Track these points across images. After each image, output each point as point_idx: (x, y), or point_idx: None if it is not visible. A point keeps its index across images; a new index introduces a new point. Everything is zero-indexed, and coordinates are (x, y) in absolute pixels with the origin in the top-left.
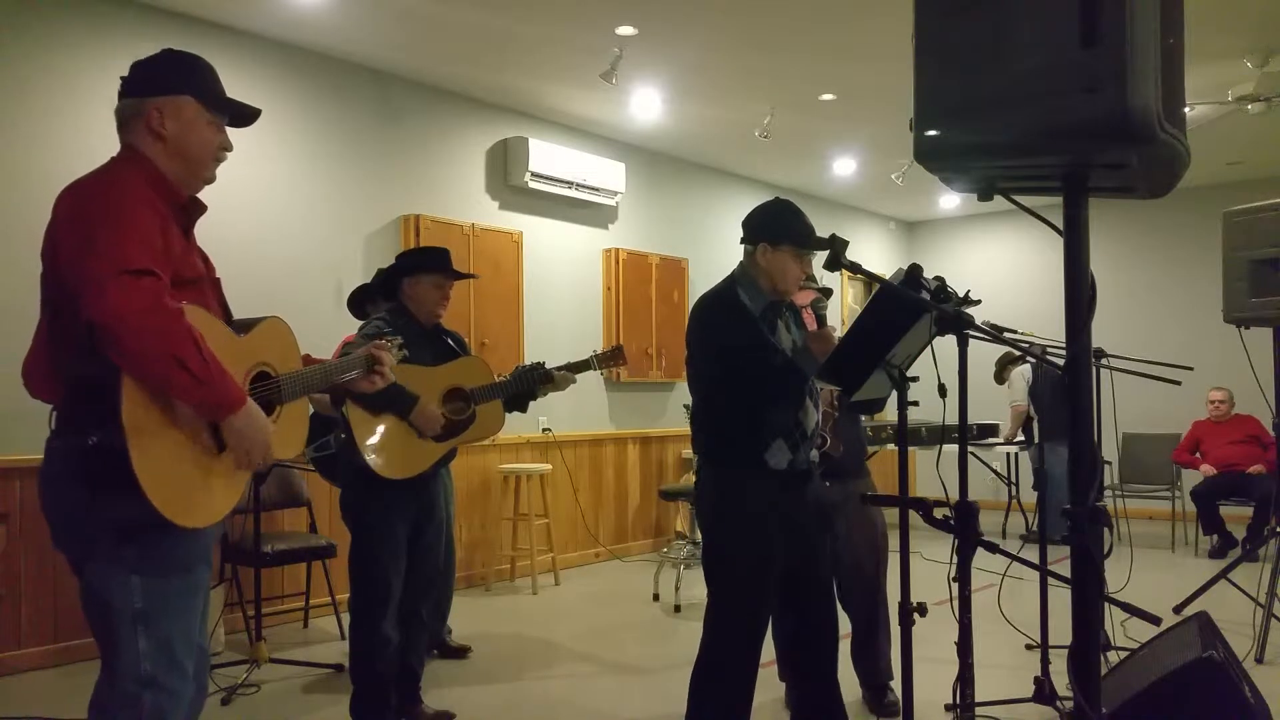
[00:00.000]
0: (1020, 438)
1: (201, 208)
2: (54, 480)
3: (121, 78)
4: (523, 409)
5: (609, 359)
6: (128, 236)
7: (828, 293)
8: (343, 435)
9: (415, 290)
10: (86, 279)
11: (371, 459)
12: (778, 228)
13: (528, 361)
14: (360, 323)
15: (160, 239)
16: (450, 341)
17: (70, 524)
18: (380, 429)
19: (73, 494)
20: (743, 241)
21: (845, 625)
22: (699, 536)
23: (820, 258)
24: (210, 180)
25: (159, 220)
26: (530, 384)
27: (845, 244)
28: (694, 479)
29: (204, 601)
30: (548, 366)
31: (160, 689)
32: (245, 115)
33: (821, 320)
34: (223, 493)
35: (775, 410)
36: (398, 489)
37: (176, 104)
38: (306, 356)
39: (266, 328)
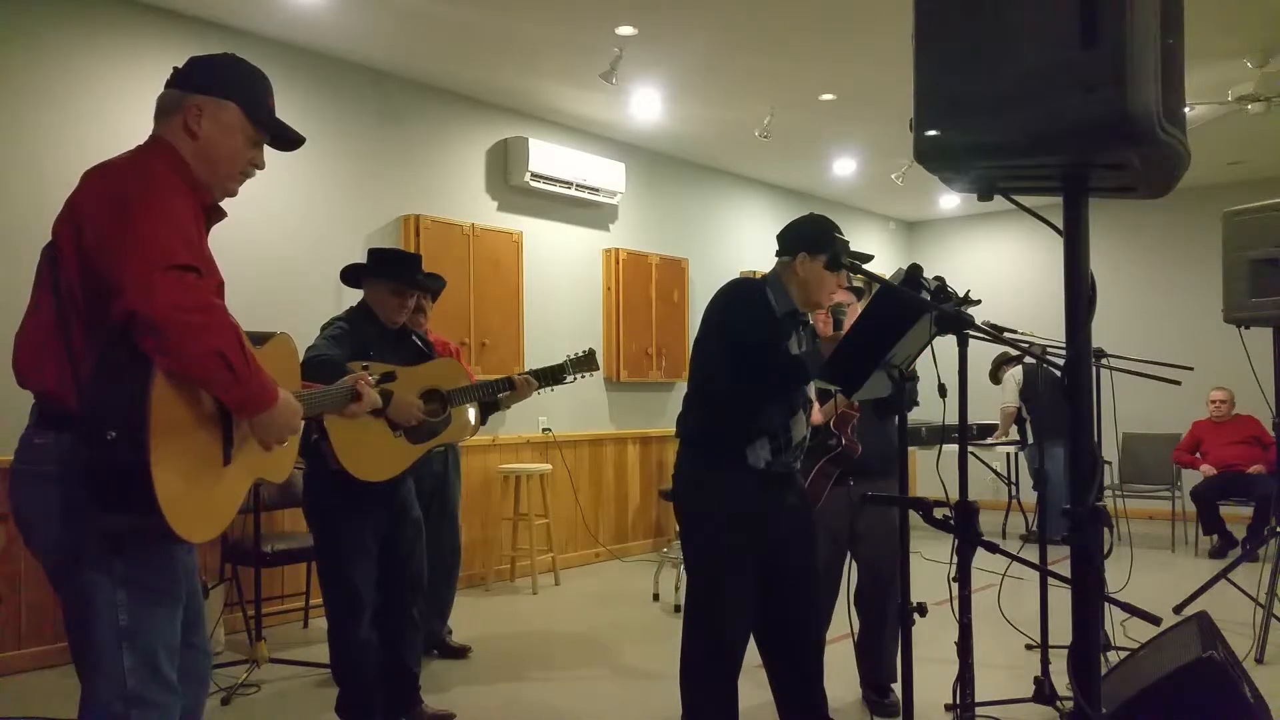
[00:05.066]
0: (1015, 437)
1: (221, 214)
2: (42, 478)
3: (175, 68)
4: (483, 420)
5: (582, 364)
6: (171, 230)
7: (860, 293)
8: (315, 437)
9: (374, 294)
10: (131, 272)
11: (346, 460)
12: (822, 241)
13: (527, 362)
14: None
15: (196, 235)
16: (418, 342)
17: (57, 527)
18: (357, 431)
19: (66, 493)
20: (780, 253)
21: (849, 624)
22: None
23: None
24: (232, 193)
25: (192, 215)
26: (493, 392)
27: (845, 244)
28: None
29: (198, 604)
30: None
31: (148, 705)
32: (289, 139)
33: (838, 326)
34: (224, 507)
35: (768, 408)
36: (364, 493)
37: (219, 106)
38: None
39: (276, 344)
